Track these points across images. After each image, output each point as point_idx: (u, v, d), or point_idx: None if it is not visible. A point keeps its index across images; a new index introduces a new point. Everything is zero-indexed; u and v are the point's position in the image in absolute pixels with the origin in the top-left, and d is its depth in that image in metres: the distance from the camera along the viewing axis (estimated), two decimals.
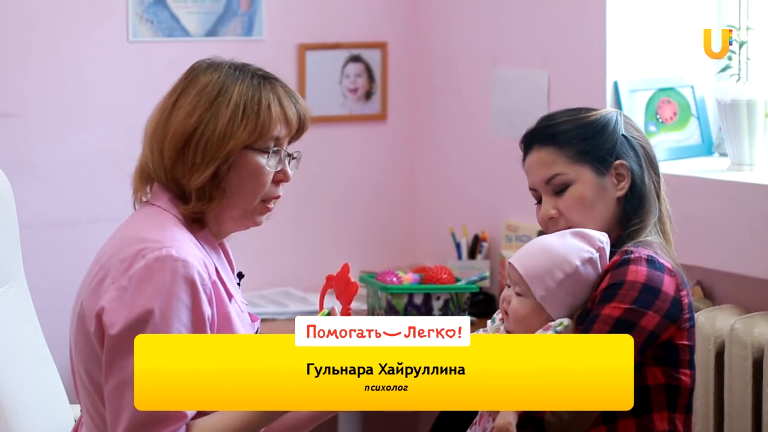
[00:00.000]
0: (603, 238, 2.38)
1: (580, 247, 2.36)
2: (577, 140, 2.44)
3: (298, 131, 2.35)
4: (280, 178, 2.34)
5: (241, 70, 2.33)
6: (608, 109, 2.51)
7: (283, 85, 2.34)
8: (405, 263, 4.13)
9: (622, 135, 2.46)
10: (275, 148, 2.31)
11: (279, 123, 2.31)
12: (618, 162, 2.45)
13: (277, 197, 2.36)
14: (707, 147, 3.66)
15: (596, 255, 2.36)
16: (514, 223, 3.84)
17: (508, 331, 2.39)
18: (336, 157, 4.12)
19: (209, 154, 2.26)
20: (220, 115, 2.27)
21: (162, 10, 3.81)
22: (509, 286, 2.40)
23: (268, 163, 2.31)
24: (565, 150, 2.44)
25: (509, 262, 2.39)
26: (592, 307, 2.34)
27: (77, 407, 2.40)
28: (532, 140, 2.49)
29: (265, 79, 2.33)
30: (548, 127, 2.48)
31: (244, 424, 2.25)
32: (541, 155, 2.46)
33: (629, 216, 2.44)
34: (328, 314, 2.34)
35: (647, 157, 2.48)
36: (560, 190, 2.44)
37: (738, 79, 3.37)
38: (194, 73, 2.34)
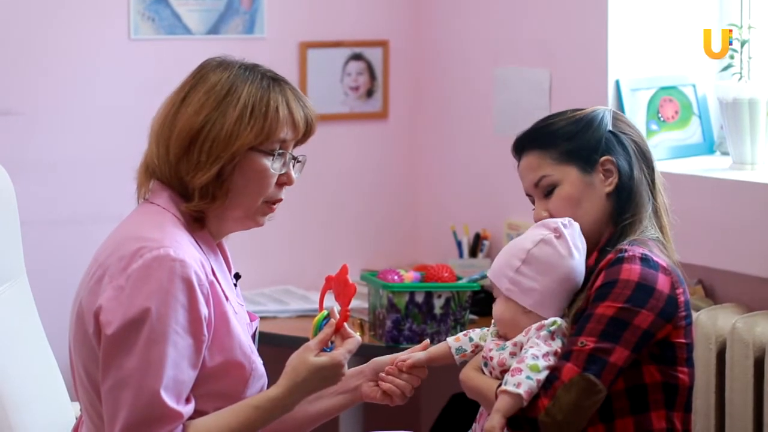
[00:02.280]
0: (564, 221, 2.38)
1: (535, 232, 2.39)
2: (561, 141, 2.46)
3: (304, 135, 2.35)
4: (284, 181, 2.34)
5: (251, 70, 2.32)
6: (595, 108, 2.52)
7: (292, 87, 2.34)
8: (406, 261, 4.12)
9: (609, 131, 2.47)
10: (281, 151, 2.31)
11: (286, 126, 2.30)
12: (604, 158, 2.45)
13: (279, 200, 2.35)
14: (709, 146, 3.65)
15: (551, 235, 2.36)
16: (516, 222, 3.83)
17: (502, 339, 2.40)
18: (337, 155, 4.11)
19: (214, 154, 2.26)
20: (227, 114, 2.27)
21: (163, 7, 3.81)
22: None
23: (272, 166, 2.30)
24: (549, 152, 2.46)
25: None
26: (587, 306, 2.34)
27: (78, 405, 2.40)
28: (521, 146, 2.51)
29: (274, 80, 2.32)
30: (534, 131, 2.51)
31: (241, 424, 2.25)
32: (529, 159, 2.48)
33: (622, 211, 2.45)
34: (327, 315, 2.34)
35: (639, 152, 2.48)
36: (548, 191, 2.46)
37: (740, 78, 3.37)
38: (204, 71, 2.33)
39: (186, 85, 2.33)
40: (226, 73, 2.31)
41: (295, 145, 2.36)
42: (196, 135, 2.26)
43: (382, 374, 2.48)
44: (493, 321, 2.47)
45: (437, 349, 2.50)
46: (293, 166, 2.35)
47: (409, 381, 2.48)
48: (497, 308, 2.40)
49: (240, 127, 2.26)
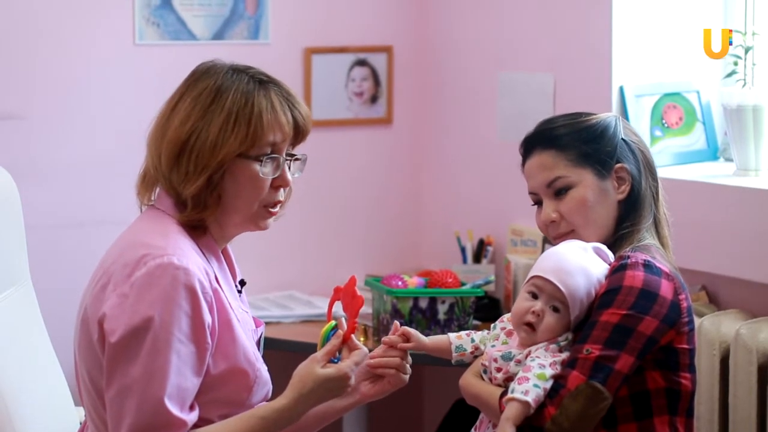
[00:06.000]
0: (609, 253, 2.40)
1: (603, 266, 2.36)
2: (579, 143, 2.44)
3: (296, 135, 2.32)
4: (279, 183, 2.31)
5: (239, 74, 2.30)
6: (607, 114, 2.51)
7: (279, 90, 2.30)
8: (410, 267, 4.13)
9: (622, 139, 2.47)
10: (272, 155, 2.29)
11: (272, 129, 2.27)
12: (619, 165, 2.45)
13: (278, 202, 2.33)
14: (713, 152, 3.66)
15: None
16: (519, 228, 3.84)
17: (524, 345, 2.35)
18: (341, 161, 4.12)
19: (201, 163, 2.24)
20: (212, 123, 2.25)
21: (168, 13, 3.82)
22: (535, 297, 2.34)
23: (262, 171, 2.28)
24: (566, 153, 2.44)
25: (544, 277, 2.33)
26: (590, 313, 2.34)
27: (82, 410, 2.40)
28: (532, 144, 2.48)
29: (261, 83, 2.29)
30: (548, 130, 2.48)
31: None
32: (542, 158, 2.46)
33: (623, 219, 2.45)
34: (335, 326, 2.34)
35: (646, 162, 2.49)
36: (561, 192, 2.44)
37: (744, 84, 3.37)
38: (194, 77, 2.32)
39: (177, 94, 2.32)
40: (212, 79, 2.29)
41: (294, 145, 2.34)
42: (183, 146, 2.25)
43: (369, 360, 2.43)
44: (493, 324, 2.46)
45: (437, 339, 2.48)
46: (290, 166, 2.34)
47: (396, 354, 2.42)
48: (553, 322, 2.32)
49: (224, 135, 2.24)
